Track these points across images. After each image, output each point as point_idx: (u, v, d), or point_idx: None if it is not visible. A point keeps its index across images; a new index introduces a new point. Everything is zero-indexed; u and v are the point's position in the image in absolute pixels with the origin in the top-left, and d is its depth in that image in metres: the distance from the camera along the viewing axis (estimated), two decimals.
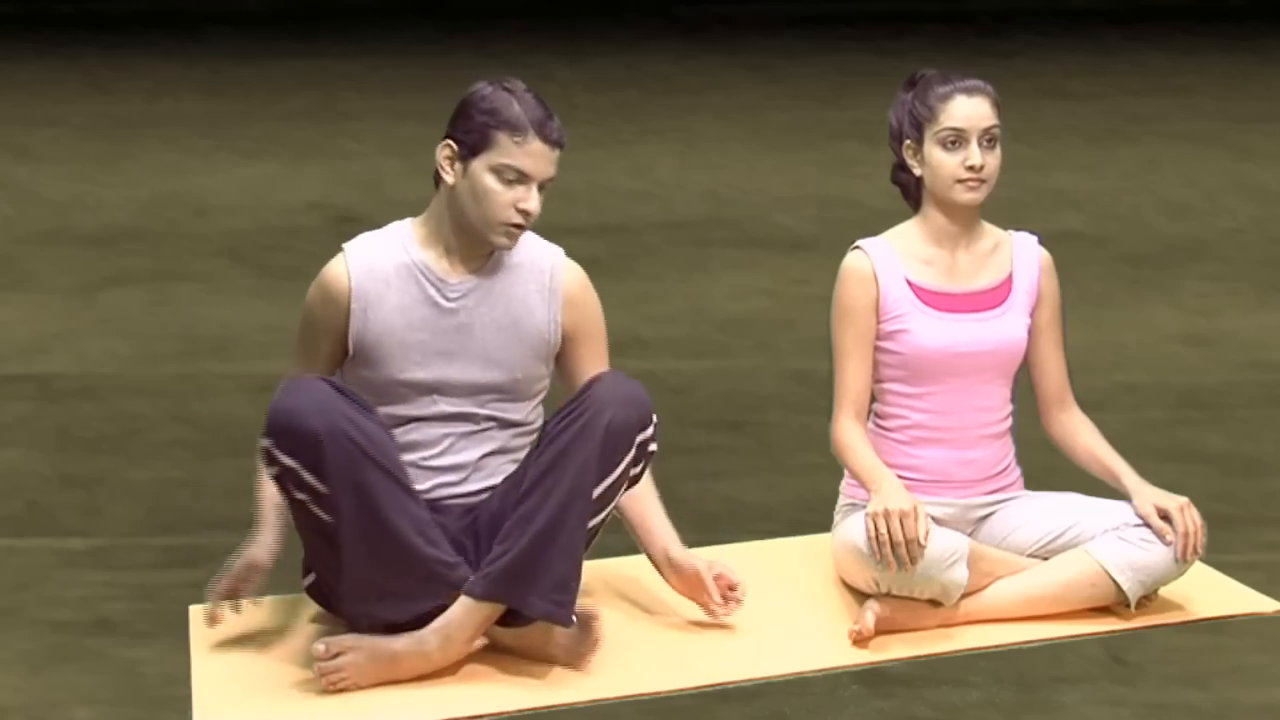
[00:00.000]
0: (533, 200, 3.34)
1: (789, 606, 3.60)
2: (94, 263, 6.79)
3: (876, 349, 3.65)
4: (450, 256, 3.42)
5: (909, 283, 3.62)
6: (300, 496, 3.23)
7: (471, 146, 3.32)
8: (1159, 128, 9.97)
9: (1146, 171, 8.63)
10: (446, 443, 3.43)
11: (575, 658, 3.34)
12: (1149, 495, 3.55)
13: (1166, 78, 12.12)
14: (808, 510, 4.16)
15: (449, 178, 3.36)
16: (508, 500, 3.34)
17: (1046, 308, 3.74)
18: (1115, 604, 3.53)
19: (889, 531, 3.36)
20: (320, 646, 3.25)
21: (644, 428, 3.32)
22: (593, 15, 16.01)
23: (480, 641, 3.31)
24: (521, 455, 3.49)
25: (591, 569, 3.73)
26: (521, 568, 3.23)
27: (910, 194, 3.70)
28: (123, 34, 14.80)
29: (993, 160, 3.58)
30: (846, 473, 3.73)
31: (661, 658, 3.38)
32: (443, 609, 3.27)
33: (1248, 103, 10.99)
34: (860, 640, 3.43)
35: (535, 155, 3.32)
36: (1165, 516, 3.52)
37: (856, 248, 3.66)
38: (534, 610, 3.23)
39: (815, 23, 15.51)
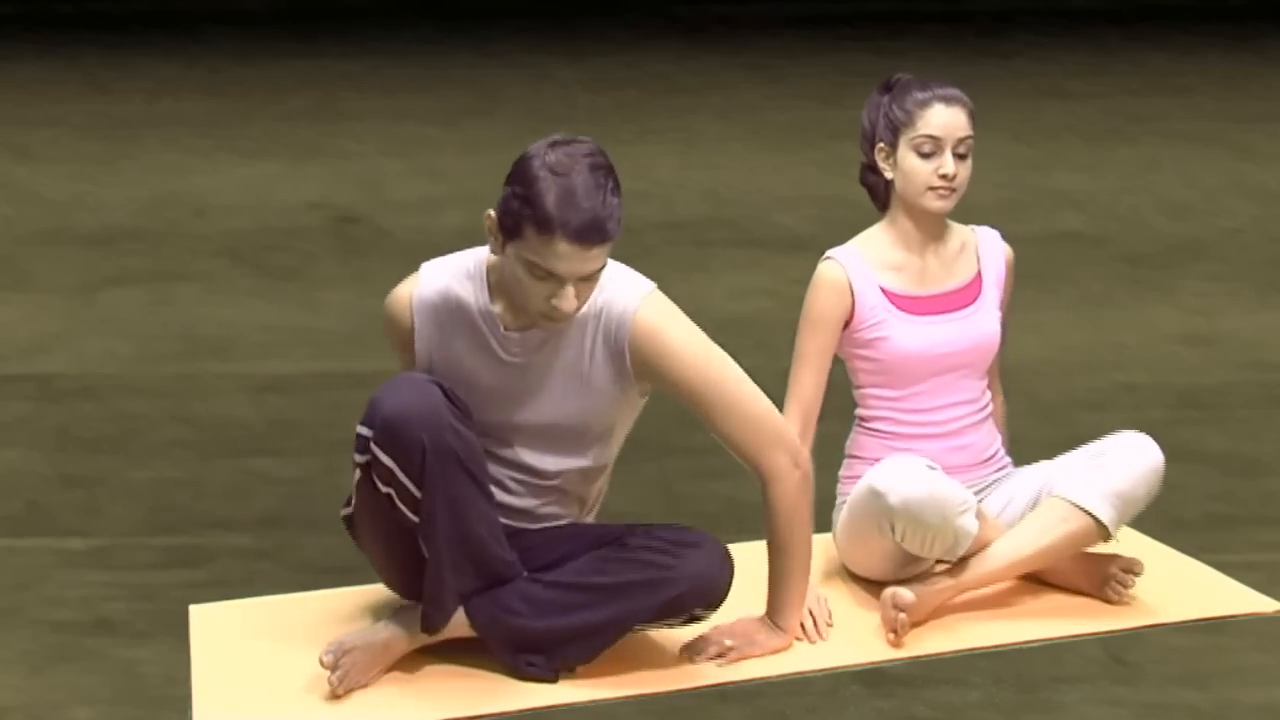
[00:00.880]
0: (566, 300, 3.11)
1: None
2: (94, 263, 6.79)
3: (854, 356, 3.68)
4: (514, 308, 3.27)
5: (883, 290, 3.65)
6: (386, 490, 3.22)
7: (507, 229, 3.14)
8: (1159, 128, 9.97)
9: (1146, 171, 8.63)
10: (512, 485, 3.38)
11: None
12: None
13: (1166, 78, 12.11)
14: None
15: (493, 249, 3.21)
16: (556, 546, 3.35)
17: (1005, 300, 3.79)
18: (1100, 538, 3.54)
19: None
20: (327, 658, 3.25)
21: (709, 607, 3.26)
22: (593, 15, 16.00)
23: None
24: (587, 494, 3.42)
25: None
26: (525, 640, 3.28)
27: (878, 196, 3.71)
28: (123, 34, 14.79)
29: (964, 170, 3.62)
30: (843, 471, 3.73)
31: (661, 658, 3.38)
32: None
33: (1248, 103, 10.99)
34: (898, 640, 3.42)
35: (563, 257, 3.07)
36: None
37: (828, 258, 3.66)
38: (511, 663, 3.30)
39: (815, 23, 15.50)
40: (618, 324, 3.25)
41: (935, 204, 3.61)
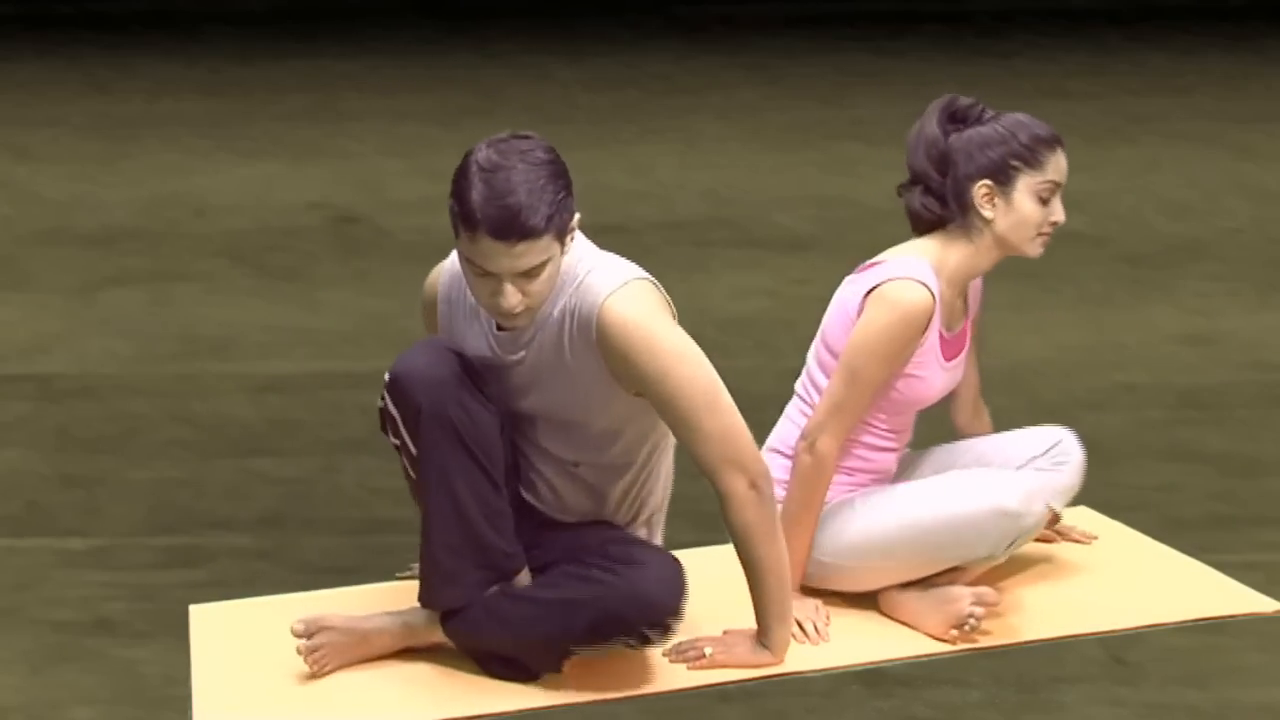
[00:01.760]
0: (506, 297, 3.07)
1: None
2: (94, 263, 6.79)
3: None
4: None
5: (939, 331, 3.54)
6: (395, 441, 3.31)
7: (452, 228, 3.10)
8: (1159, 128, 9.97)
9: (1146, 171, 8.63)
10: (536, 469, 3.38)
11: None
12: None
13: (1166, 78, 12.11)
14: None
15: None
16: (565, 546, 3.34)
17: (978, 315, 3.76)
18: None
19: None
20: (299, 625, 3.28)
21: (652, 627, 3.19)
22: (593, 15, 16.00)
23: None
24: (610, 490, 3.39)
25: None
26: (491, 654, 3.28)
27: (924, 222, 3.55)
28: (123, 34, 14.79)
29: None
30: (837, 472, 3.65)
31: (661, 658, 3.38)
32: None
33: (1248, 103, 10.99)
34: (962, 636, 3.42)
35: (489, 254, 3.03)
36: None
37: (920, 284, 3.44)
38: (487, 671, 3.30)
39: (815, 23, 15.50)
40: (586, 319, 3.17)
41: (1038, 250, 3.58)
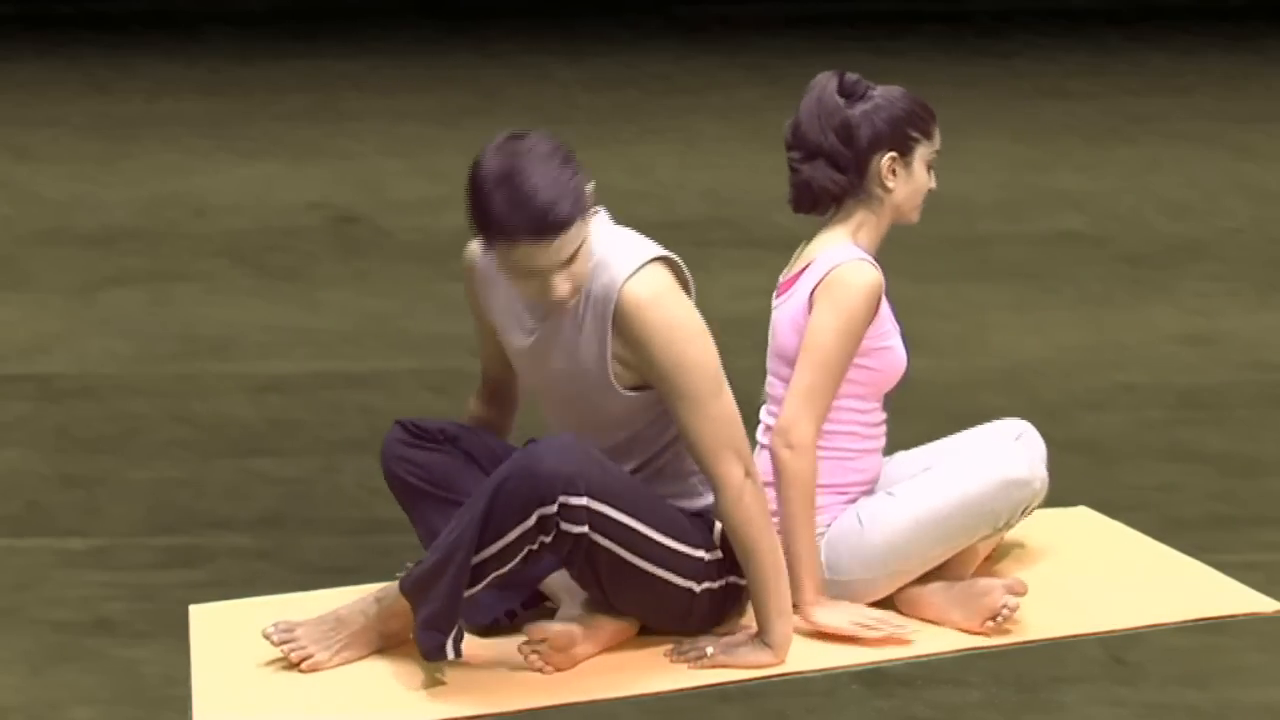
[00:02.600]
0: (557, 288, 3.14)
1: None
2: (94, 263, 6.79)
3: (852, 367, 3.52)
4: None
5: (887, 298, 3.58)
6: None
7: (484, 243, 3.20)
8: (1159, 128, 9.97)
9: (1146, 171, 8.63)
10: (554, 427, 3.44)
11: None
12: None
13: (1166, 78, 12.11)
14: None
15: None
16: None
17: None
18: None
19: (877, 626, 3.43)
20: (269, 628, 3.33)
21: (543, 503, 3.14)
22: (593, 15, 16.00)
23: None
24: (655, 457, 3.38)
25: None
26: (423, 585, 3.25)
27: (821, 201, 3.55)
28: (123, 34, 14.79)
29: None
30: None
31: (661, 658, 3.38)
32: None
33: (1248, 103, 10.99)
34: (998, 628, 3.44)
35: (528, 256, 3.11)
36: None
37: (866, 262, 3.49)
38: (417, 639, 3.25)
39: (815, 23, 15.50)
40: (603, 298, 3.21)
41: (917, 217, 3.62)
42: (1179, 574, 3.78)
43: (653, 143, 9.55)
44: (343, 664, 3.34)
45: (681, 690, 3.26)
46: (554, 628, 3.30)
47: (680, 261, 3.30)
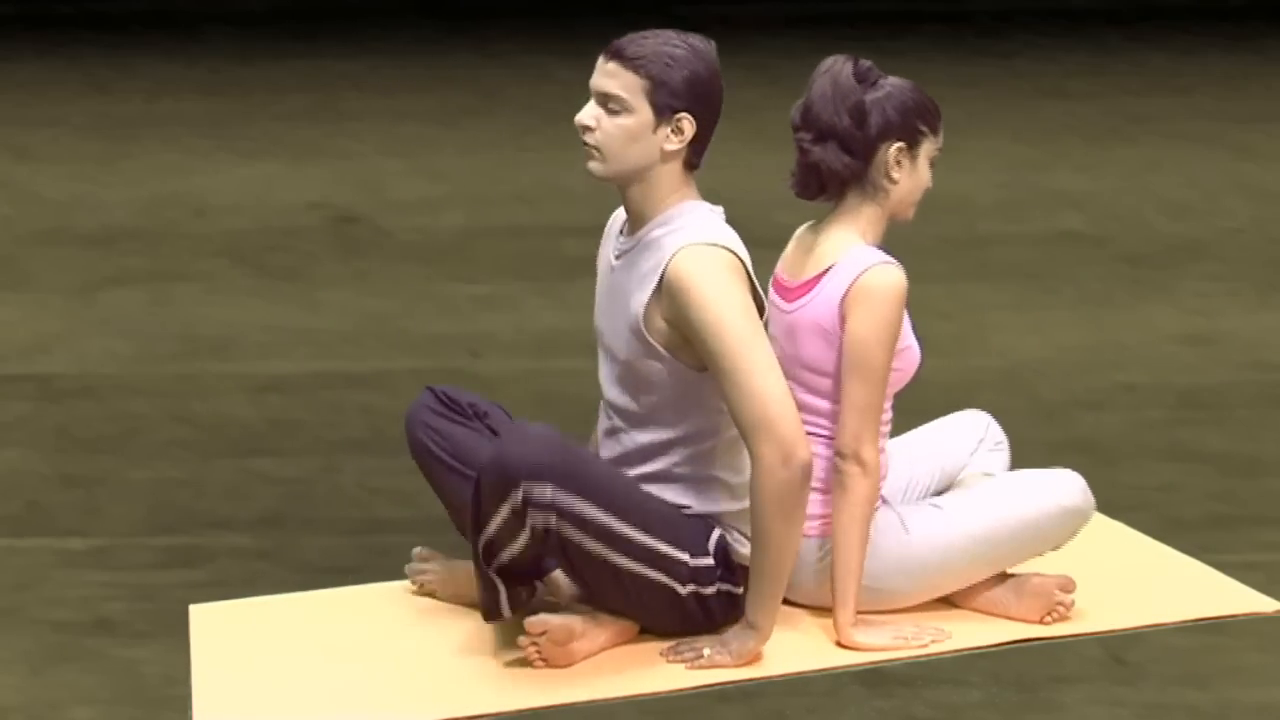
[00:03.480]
0: (582, 112, 3.31)
1: (788, 606, 3.59)
2: (94, 263, 6.79)
3: None
4: (633, 216, 3.39)
5: None
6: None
7: None
8: (1159, 128, 9.97)
9: (1146, 171, 8.63)
10: (603, 429, 3.49)
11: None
12: None
13: (1166, 78, 12.11)
14: None
15: None
16: None
17: None
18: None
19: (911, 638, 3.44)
20: (416, 549, 3.69)
21: (510, 491, 3.16)
22: (593, 15, 16.00)
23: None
24: (652, 454, 3.39)
25: None
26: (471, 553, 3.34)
27: (831, 186, 3.49)
28: (123, 34, 14.80)
29: None
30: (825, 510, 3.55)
31: (661, 658, 3.38)
32: None
33: (1248, 103, 10.99)
34: (1058, 619, 3.48)
35: (594, 72, 3.32)
36: None
37: (890, 264, 3.43)
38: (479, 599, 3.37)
39: (815, 23, 15.51)
40: (662, 255, 3.27)
41: (911, 215, 3.58)
42: (1179, 574, 3.78)
43: None
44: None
45: (681, 690, 3.26)
46: (553, 621, 3.30)
47: (751, 270, 3.32)
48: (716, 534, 3.38)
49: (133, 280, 6.52)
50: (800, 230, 3.62)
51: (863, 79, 3.48)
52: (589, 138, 3.31)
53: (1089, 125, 10.05)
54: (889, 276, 3.41)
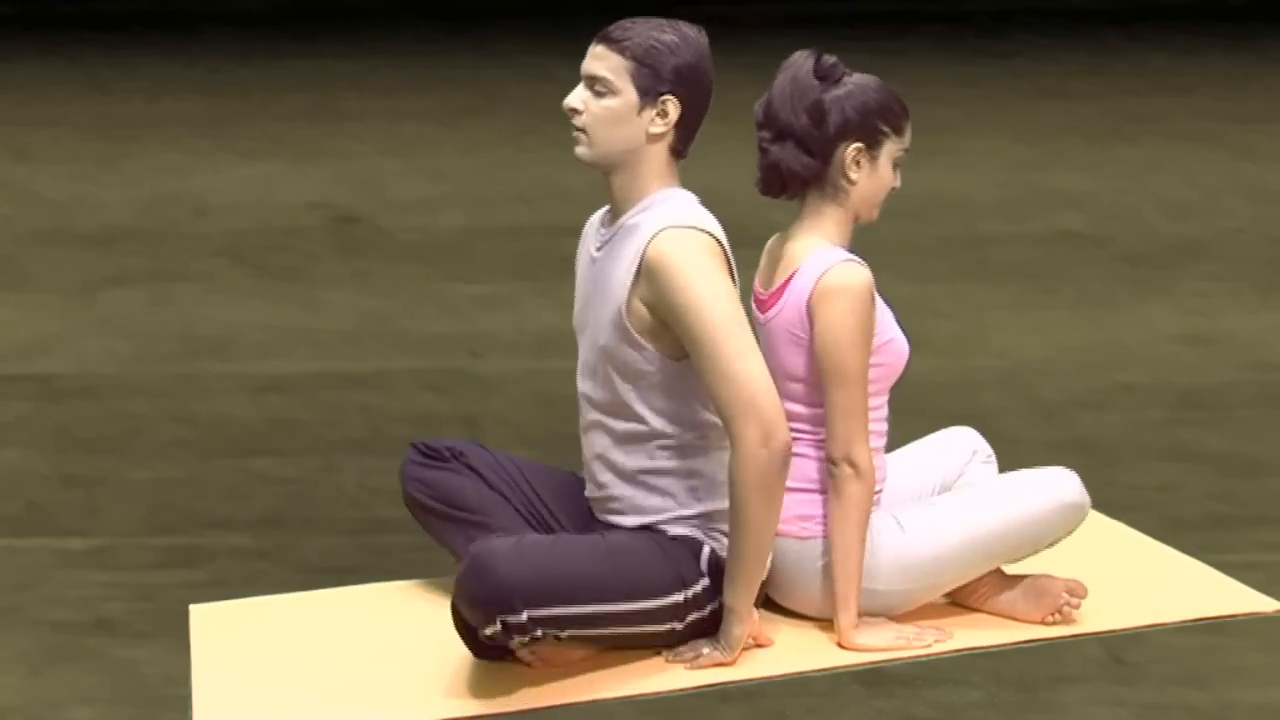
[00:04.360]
0: (570, 94, 3.32)
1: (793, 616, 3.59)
2: (94, 263, 6.79)
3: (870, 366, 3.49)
4: (614, 205, 3.40)
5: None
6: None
7: None
8: (1159, 128, 9.97)
9: (1146, 171, 8.63)
10: (582, 425, 3.49)
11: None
12: None
13: (1166, 78, 12.12)
14: None
15: None
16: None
17: None
18: None
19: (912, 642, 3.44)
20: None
21: (488, 624, 3.12)
22: (593, 15, 16.01)
23: None
24: (623, 466, 3.39)
25: None
26: None
27: (791, 186, 3.45)
28: (123, 34, 14.80)
29: None
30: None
31: (661, 658, 3.38)
32: None
33: (1248, 103, 10.99)
34: (1063, 620, 3.49)
35: (587, 57, 3.35)
36: None
37: (851, 260, 3.41)
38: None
39: (816, 23, 15.51)
40: (642, 237, 3.27)
41: (876, 216, 3.55)
42: (1179, 574, 3.78)
43: None
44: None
45: (681, 690, 3.26)
46: None
47: (730, 254, 3.31)
48: (706, 551, 3.36)
49: (133, 280, 6.52)
50: (770, 241, 3.59)
51: (824, 76, 3.43)
52: (577, 120, 3.33)
53: (1089, 125, 10.05)
54: (851, 274, 3.38)
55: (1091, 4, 16.43)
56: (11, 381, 5.27)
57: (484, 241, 7.15)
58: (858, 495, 3.37)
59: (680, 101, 3.29)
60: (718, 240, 3.28)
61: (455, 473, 3.58)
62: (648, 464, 3.37)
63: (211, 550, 3.98)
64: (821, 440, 3.46)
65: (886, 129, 3.44)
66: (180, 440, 4.74)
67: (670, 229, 3.25)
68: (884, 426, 3.55)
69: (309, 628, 3.55)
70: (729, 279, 3.25)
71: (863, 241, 7.01)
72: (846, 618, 3.40)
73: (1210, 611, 3.58)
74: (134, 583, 3.80)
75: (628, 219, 3.34)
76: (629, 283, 3.28)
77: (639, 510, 3.39)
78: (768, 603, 3.55)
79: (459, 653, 3.37)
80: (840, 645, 3.41)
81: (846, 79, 3.44)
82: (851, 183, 3.44)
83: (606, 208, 3.46)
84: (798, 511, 3.47)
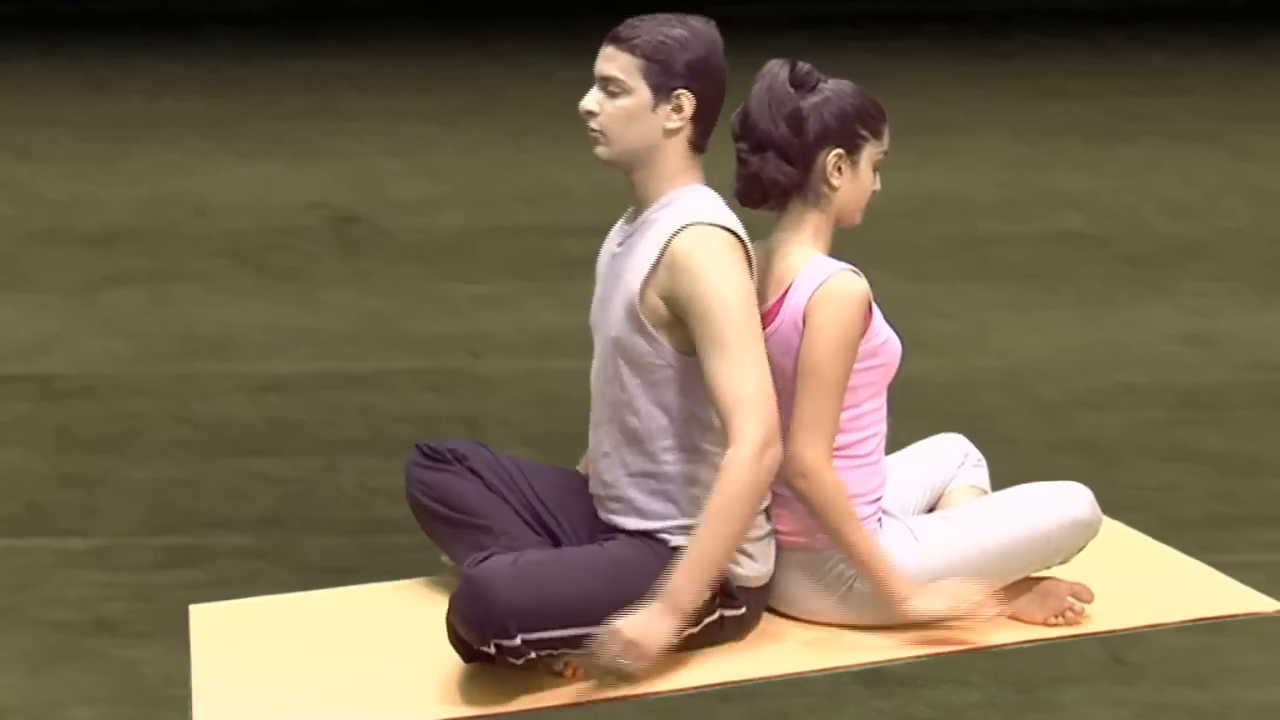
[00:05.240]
0: (585, 97, 3.35)
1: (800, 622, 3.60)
2: (94, 263, 6.79)
3: (862, 369, 3.46)
4: (639, 201, 3.41)
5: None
6: None
7: None
8: (1159, 128, 9.97)
9: (1146, 171, 8.63)
10: (591, 423, 3.49)
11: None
12: None
13: (1166, 78, 12.12)
14: None
15: None
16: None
17: None
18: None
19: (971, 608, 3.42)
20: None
21: (484, 645, 3.12)
22: (593, 15, 16.01)
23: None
24: (628, 461, 3.39)
25: None
26: None
27: (772, 195, 3.45)
28: (123, 34, 14.80)
29: None
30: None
31: (662, 658, 3.38)
32: None
33: (1248, 103, 10.99)
34: (1069, 622, 3.49)
35: (598, 60, 3.37)
36: None
37: (850, 271, 3.39)
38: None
39: (817, 22, 15.52)
40: (667, 231, 3.27)
41: (859, 219, 3.54)
42: (1179, 574, 3.78)
43: None
44: None
45: (681, 690, 3.26)
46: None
47: (751, 251, 3.32)
48: None
49: (133, 280, 6.52)
50: (755, 254, 3.54)
51: (800, 84, 3.43)
52: (592, 122, 3.34)
53: (1089, 125, 10.05)
54: (848, 285, 3.37)
55: (1091, 4, 16.43)
56: (11, 381, 5.28)
57: (484, 241, 7.15)
58: (819, 493, 3.35)
59: (694, 95, 3.30)
60: (740, 238, 3.29)
61: (458, 475, 3.58)
62: (651, 466, 3.37)
63: (211, 550, 3.98)
64: (834, 450, 3.46)
65: (865, 133, 3.44)
66: (180, 440, 4.74)
67: (695, 225, 3.26)
68: (882, 428, 3.54)
69: (309, 628, 3.55)
70: (749, 278, 3.26)
71: (863, 242, 7.01)
72: (897, 590, 3.39)
73: (1210, 611, 3.58)
74: (134, 583, 3.80)
75: (649, 214, 3.35)
76: (646, 274, 3.28)
77: (640, 513, 3.38)
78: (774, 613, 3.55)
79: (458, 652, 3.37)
80: (900, 618, 3.41)
81: (822, 85, 3.44)
82: (833, 189, 3.44)
83: (633, 209, 3.46)
84: (808, 522, 3.46)
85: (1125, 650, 3.42)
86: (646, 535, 3.37)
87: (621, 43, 3.30)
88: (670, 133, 3.31)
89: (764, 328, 3.46)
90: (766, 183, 3.43)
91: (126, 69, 12.69)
